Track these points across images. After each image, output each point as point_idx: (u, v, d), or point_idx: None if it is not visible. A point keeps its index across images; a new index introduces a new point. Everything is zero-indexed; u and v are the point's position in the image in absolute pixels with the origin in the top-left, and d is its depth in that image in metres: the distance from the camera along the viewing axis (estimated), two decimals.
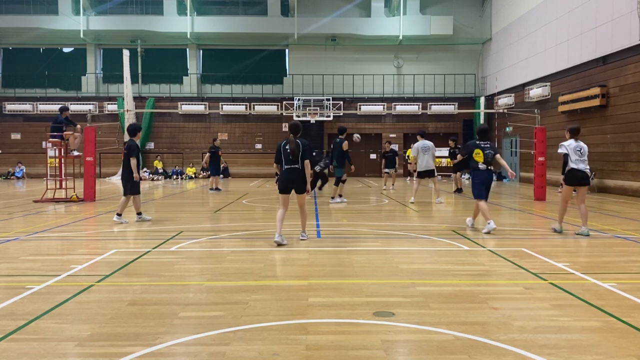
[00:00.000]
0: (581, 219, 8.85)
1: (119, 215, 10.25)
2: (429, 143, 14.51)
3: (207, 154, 19.12)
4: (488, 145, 9.21)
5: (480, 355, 3.56)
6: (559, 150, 8.92)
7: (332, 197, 14.48)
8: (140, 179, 10.53)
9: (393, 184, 20.38)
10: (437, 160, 26.39)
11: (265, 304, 4.74)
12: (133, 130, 10.51)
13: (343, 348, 3.69)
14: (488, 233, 8.83)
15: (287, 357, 3.54)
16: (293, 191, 8.07)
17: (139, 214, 10.55)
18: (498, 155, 9.29)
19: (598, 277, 5.72)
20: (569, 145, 8.75)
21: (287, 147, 8.01)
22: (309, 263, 6.52)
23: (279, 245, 7.63)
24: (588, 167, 8.82)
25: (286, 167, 7.99)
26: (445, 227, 9.73)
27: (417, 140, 14.89)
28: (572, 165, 8.70)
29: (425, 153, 14.36)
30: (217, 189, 18.58)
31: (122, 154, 10.49)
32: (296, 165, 7.96)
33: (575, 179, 8.73)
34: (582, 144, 8.81)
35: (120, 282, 5.61)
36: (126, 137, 26.85)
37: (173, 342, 3.80)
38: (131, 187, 10.33)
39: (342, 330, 4.06)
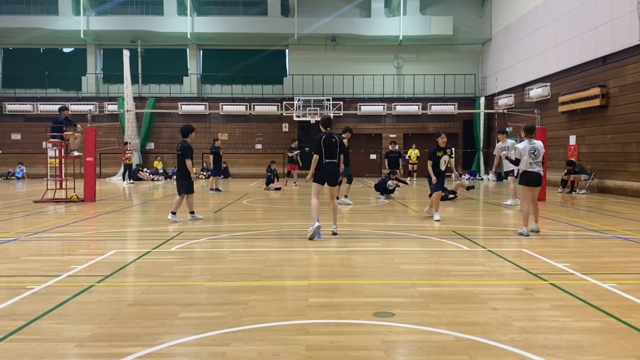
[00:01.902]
0: (533, 215, 8.85)
1: (174, 213, 10.42)
2: None
3: (212, 155, 19.04)
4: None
5: (480, 356, 3.56)
6: (512, 152, 9.38)
7: (345, 196, 14.12)
8: (196, 178, 10.74)
9: (398, 186, 20.27)
10: (414, 160, 26.55)
11: (265, 304, 4.74)
12: (186, 131, 10.73)
13: (343, 348, 3.69)
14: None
15: (287, 357, 3.54)
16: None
17: (192, 212, 10.71)
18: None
19: (598, 277, 5.72)
20: (523, 148, 8.75)
21: (328, 141, 8.40)
22: (309, 263, 6.52)
23: (313, 238, 8.04)
24: (541, 169, 8.85)
25: (327, 160, 8.42)
26: (445, 227, 9.73)
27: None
28: (525, 167, 8.72)
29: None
30: (217, 189, 18.58)
31: (176, 154, 10.72)
32: (335, 160, 8.50)
33: (531, 180, 8.73)
34: (537, 144, 8.79)
35: (120, 283, 5.61)
36: (127, 137, 27.09)
37: (173, 342, 3.80)
38: (187, 186, 10.57)
39: (342, 331, 4.06)
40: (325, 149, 8.41)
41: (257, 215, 12.18)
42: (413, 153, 26.78)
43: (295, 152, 21.39)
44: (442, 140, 10.61)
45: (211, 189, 18.51)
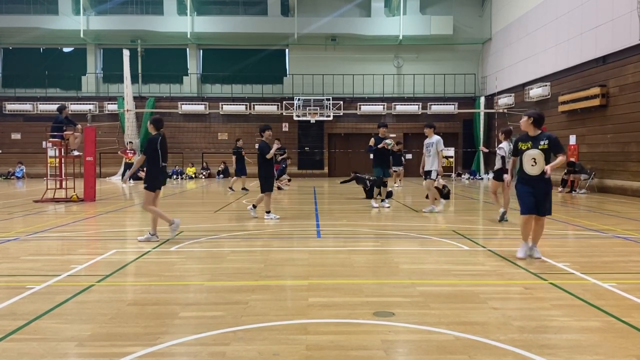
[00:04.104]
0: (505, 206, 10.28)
1: (268, 212, 10.72)
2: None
3: (234, 156, 18.84)
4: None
5: (480, 355, 3.56)
6: (499, 152, 10.18)
7: (383, 200, 13.19)
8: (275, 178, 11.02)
9: (400, 181, 21.30)
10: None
11: (265, 304, 4.74)
12: (261, 129, 11.02)
13: (343, 348, 3.69)
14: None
15: (287, 357, 3.54)
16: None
17: (268, 212, 10.88)
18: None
19: (598, 277, 5.72)
20: (506, 148, 10.01)
21: (164, 143, 8.34)
22: (309, 263, 6.52)
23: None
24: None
25: (164, 164, 8.41)
26: (446, 227, 9.73)
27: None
28: (505, 166, 9.90)
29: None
30: (244, 188, 18.61)
31: (257, 155, 10.97)
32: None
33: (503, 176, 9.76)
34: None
35: (120, 282, 5.61)
36: (127, 137, 27.07)
37: (173, 342, 3.80)
38: (269, 185, 10.80)
39: (342, 330, 4.06)
40: (162, 152, 8.17)
41: (256, 215, 12.16)
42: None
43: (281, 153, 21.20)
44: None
45: (243, 188, 18.51)
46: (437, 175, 11.94)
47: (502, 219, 10.23)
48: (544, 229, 6.77)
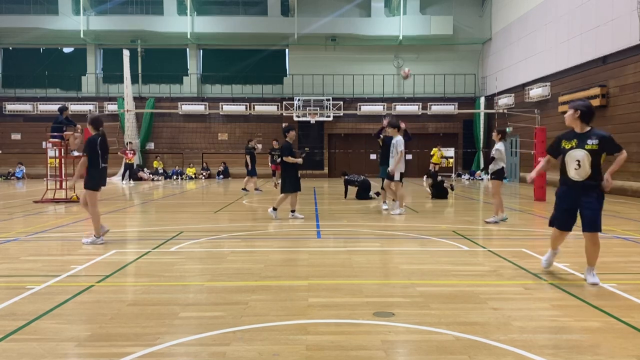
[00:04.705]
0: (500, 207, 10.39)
1: (293, 212, 10.87)
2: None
3: (248, 156, 18.72)
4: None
5: (480, 356, 3.56)
6: (496, 151, 10.26)
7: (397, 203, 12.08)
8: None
9: None
10: (438, 160, 26.52)
11: (265, 304, 4.74)
12: (285, 130, 11.17)
13: (343, 348, 3.69)
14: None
15: (287, 357, 3.54)
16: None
17: (293, 211, 10.95)
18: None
19: (598, 277, 5.71)
20: (502, 148, 10.35)
21: (104, 143, 8.13)
22: (309, 263, 6.52)
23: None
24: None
25: (104, 165, 8.11)
26: (445, 227, 9.73)
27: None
28: (503, 164, 10.30)
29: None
30: (257, 189, 18.65)
31: (280, 155, 11.08)
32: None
33: (505, 175, 10.49)
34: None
35: (120, 283, 5.61)
36: (127, 138, 27.07)
37: (173, 342, 3.80)
38: (289, 185, 10.87)
39: (342, 331, 4.06)
40: (102, 152, 7.95)
41: (257, 215, 12.17)
42: (438, 153, 26.60)
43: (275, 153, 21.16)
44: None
45: (256, 189, 18.51)
46: (400, 176, 11.42)
47: (501, 220, 10.23)
48: (599, 247, 5.48)
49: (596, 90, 18.03)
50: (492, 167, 10.34)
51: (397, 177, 11.39)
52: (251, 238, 8.55)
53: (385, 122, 12.29)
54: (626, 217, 11.19)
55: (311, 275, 5.86)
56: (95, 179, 7.98)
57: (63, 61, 31.32)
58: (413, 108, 29.39)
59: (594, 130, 5.44)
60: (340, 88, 30.17)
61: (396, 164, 11.27)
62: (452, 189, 16.23)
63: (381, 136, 12.67)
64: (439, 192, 15.56)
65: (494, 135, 10.56)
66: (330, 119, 29.18)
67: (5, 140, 29.88)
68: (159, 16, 30.10)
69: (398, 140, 11.31)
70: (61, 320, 4.29)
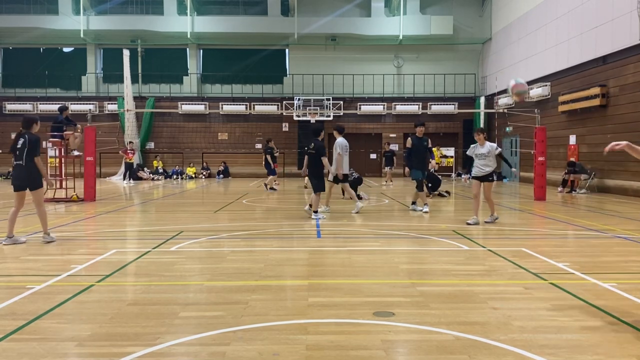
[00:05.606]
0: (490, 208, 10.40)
1: (316, 212, 10.85)
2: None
3: (268, 155, 18.94)
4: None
5: (480, 355, 3.56)
6: (497, 149, 10.29)
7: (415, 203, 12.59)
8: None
9: (391, 180, 22.53)
10: (438, 159, 26.50)
11: (265, 304, 4.74)
12: (316, 130, 11.18)
13: (343, 348, 3.69)
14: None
15: (287, 357, 3.54)
16: None
17: (315, 212, 10.92)
18: None
19: (598, 277, 5.72)
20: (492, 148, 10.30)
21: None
22: (309, 263, 6.52)
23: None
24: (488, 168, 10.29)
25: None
26: (446, 227, 9.73)
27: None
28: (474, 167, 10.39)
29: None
30: (272, 188, 18.78)
31: (311, 154, 11.03)
32: (20, 161, 7.89)
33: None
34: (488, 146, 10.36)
35: (120, 282, 5.61)
36: (127, 137, 27.06)
37: (173, 342, 3.80)
38: (320, 185, 10.94)
39: (342, 330, 4.06)
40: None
41: (257, 215, 12.18)
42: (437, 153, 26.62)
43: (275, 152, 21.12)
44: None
45: (271, 188, 18.72)
46: (345, 176, 11.88)
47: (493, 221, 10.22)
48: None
49: (596, 90, 18.03)
50: (488, 170, 10.17)
51: (331, 177, 12.01)
52: (251, 237, 8.55)
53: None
54: (626, 217, 11.19)
55: (311, 275, 5.86)
56: (40, 177, 7.91)
57: (63, 61, 31.32)
58: (413, 108, 29.38)
59: None
60: (340, 88, 30.17)
61: (338, 166, 11.64)
62: (447, 193, 16.47)
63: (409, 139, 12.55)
64: (432, 182, 15.96)
65: (482, 136, 10.19)
66: (330, 118, 29.17)
67: (5, 140, 29.79)
68: (159, 16, 30.10)
69: (337, 143, 11.76)
70: (61, 320, 4.29)
